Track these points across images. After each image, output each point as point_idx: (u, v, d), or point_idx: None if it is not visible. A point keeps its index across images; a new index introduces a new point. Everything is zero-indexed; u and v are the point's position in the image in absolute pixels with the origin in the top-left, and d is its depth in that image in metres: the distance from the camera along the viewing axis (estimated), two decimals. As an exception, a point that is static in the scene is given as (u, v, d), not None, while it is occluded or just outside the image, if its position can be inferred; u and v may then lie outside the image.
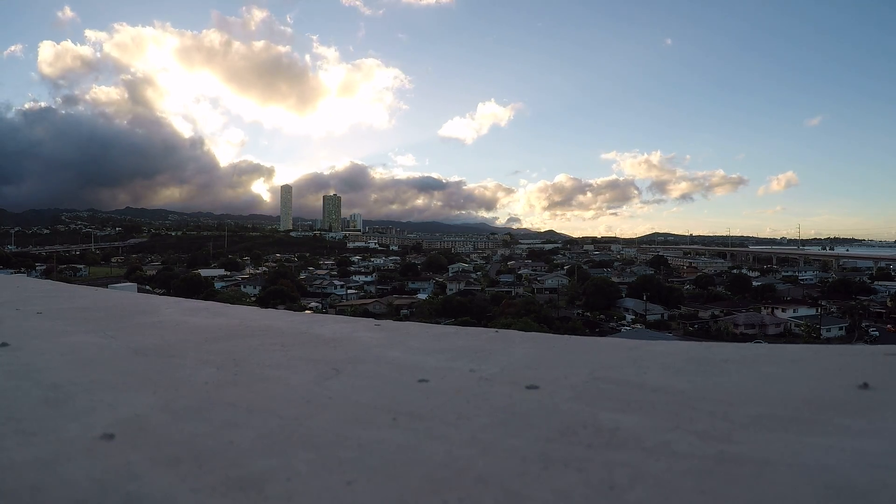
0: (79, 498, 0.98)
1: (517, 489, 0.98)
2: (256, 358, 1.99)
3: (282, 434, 1.25)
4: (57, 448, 1.18)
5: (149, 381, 1.70)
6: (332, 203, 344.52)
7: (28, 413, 1.42)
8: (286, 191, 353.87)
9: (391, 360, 1.93)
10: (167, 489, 1.00)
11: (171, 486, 1.01)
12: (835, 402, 1.37)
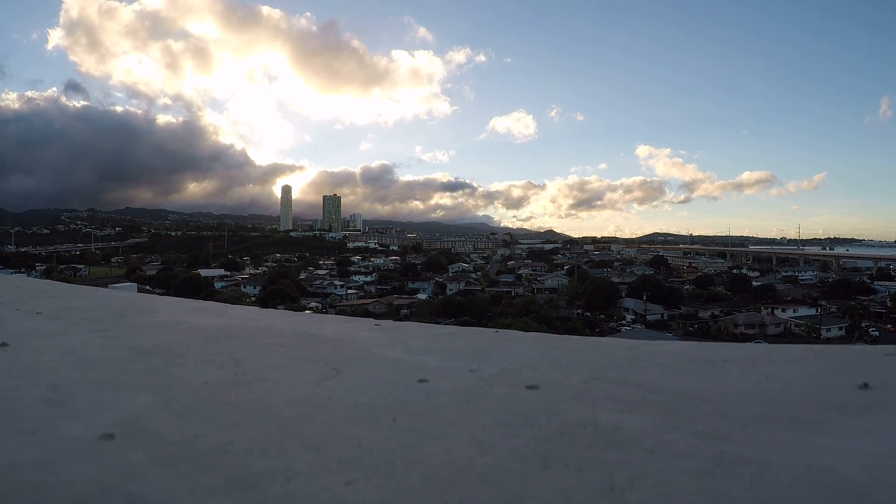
0: (79, 498, 0.98)
1: (517, 489, 0.98)
2: (256, 358, 1.99)
3: (282, 434, 1.25)
4: (57, 448, 1.18)
5: (149, 381, 1.70)
6: (331, 203, 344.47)
7: (28, 413, 1.42)
8: (286, 190, 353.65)
9: (391, 360, 1.93)
10: (167, 489, 1.00)
11: (171, 486, 1.01)
12: (835, 402, 1.37)
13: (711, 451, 1.10)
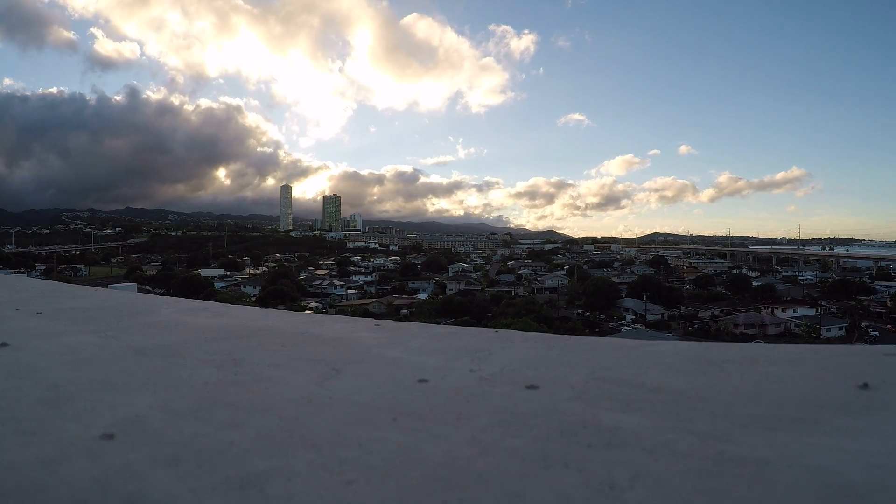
0: (79, 498, 0.98)
1: (517, 489, 0.98)
2: (256, 358, 1.99)
3: (282, 434, 1.25)
4: (57, 448, 1.18)
5: (149, 381, 1.70)
6: (331, 203, 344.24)
7: (28, 413, 1.42)
8: (286, 190, 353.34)
9: (391, 360, 1.93)
10: (167, 489, 1.00)
11: (171, 486, 1.01)
12: (835, 402, 1.37)
13: (711, 451, 1.10)
